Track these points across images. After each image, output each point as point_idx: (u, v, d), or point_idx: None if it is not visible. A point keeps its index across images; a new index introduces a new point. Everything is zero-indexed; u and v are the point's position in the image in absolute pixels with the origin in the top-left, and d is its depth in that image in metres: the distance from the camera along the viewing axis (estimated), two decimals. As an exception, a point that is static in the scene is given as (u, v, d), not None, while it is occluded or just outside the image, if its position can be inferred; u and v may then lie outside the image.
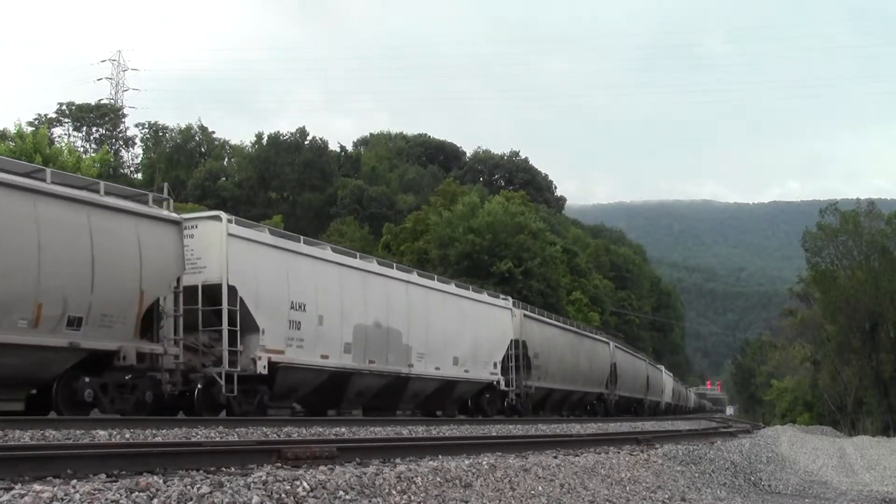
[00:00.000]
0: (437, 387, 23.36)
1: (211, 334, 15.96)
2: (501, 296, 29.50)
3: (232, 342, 15.82)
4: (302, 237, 19.16)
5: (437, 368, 23.00)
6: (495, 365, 26.54)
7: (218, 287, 15.84)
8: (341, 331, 19.05)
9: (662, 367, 65.64)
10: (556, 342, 33.08)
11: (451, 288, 25.32)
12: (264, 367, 16.35)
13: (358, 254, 21.66)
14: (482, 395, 26.24)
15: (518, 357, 28.25)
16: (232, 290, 15.92)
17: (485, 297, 27.39)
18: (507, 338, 27.60)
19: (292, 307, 17.52)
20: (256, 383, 16.62)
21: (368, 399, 21.14)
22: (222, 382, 15.47)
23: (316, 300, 18.27)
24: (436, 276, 25.79)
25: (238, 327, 15.90)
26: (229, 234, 16.18)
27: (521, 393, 28.33)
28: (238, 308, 15.94)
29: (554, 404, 34.03)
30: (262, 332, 16.49)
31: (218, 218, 16.51)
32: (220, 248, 16.02)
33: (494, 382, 26.39)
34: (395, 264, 23.51)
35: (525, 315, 30.36)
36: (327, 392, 19.30)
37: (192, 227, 16.15)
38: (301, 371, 17.79)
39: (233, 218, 16.80)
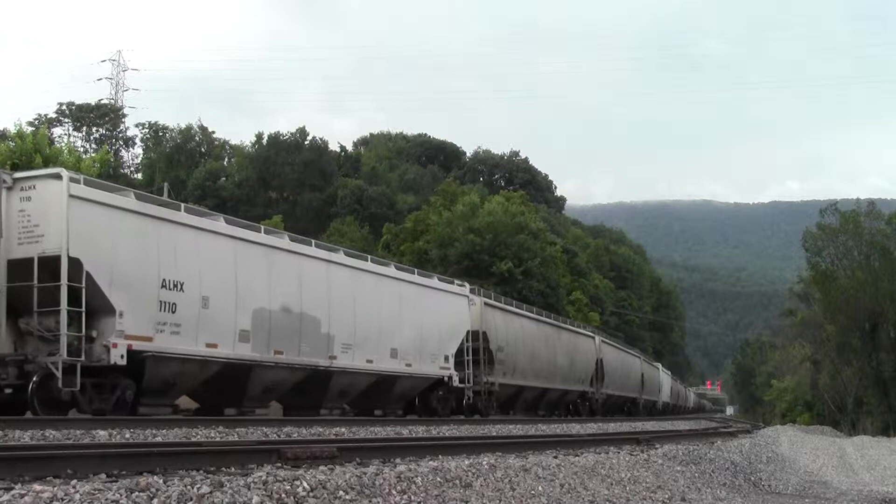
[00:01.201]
0: (370, 382, 20.59)
1: (56, 317, 13.40)
2: (457, 281, 26.19)
3: (76, 326, 13.38)
4: (183, 205, 16.42)
5: (370, 361, 20.22)
6: (447, 358, 23.58)
7: (57, 259, 13.36)
8: (235, 316, 16.29)
9: (660, 365, 65.05)
10: (526, 334, 30.00)
11: (389, 270, 22.28)
12: (122, 356, 13.84)
13: (263, 227, 18.69)
14: (433, 391, 23.48)
15: (478, 350, 25.35)
16: (75, 263, 13.41)
17: (434, 281, 24.28)
18: (462, 328, 24.59)
19: (164, 286, 14.82)
20: (118, 376, 14.19)
21: (283, 396, 18.90)
22: (59, 374, 12.98)
23: (199, 279, 15.54)
24: (369, 257, 22.41)
25: (83, 308, 13.45)
26: (72, 196, 13.61)
27: (481, 390, 25.50)
28: (84, 285, 13.47)
29: (527, 403, 31.24)
30: (120, 315, 13.97)
31: (58, 176, 13.91)
32: (59, 212, 13.50)
33: (445, 378, 23.43)
34: (313, 241, 20.18)
35: (486, 303, 26.99)
36: (222, 387, 16.65)
37: (30, 188, 13.84)
38: (178, 362, 15.19)
39: (80, 177, 14.29)
